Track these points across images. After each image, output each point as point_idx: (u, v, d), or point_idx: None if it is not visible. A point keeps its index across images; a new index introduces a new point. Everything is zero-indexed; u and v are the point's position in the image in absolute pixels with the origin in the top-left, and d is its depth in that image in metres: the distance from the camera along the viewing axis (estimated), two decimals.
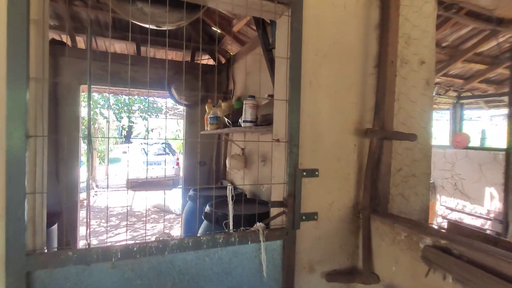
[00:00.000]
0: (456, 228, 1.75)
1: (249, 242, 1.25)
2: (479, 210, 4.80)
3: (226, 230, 1.28)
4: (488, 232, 4.51)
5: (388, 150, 1.51)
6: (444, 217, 5.18)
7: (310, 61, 1.40)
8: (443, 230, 1.71)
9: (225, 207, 2.26)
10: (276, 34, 1.50)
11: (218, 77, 4.36)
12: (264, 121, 1.90)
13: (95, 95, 8.18)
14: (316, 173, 1.40)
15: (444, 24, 2.66)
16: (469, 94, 5.52)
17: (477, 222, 4.73)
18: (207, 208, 2.35)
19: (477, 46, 2.98)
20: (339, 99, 1.48)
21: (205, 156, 4.47)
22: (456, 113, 7.63)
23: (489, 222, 4.56)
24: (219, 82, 4.36)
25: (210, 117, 3.35)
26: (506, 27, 2.43)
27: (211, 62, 4.57)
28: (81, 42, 4.12)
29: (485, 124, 10.93)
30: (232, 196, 1.28)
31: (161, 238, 1.11)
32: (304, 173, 1.36)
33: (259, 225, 1.26)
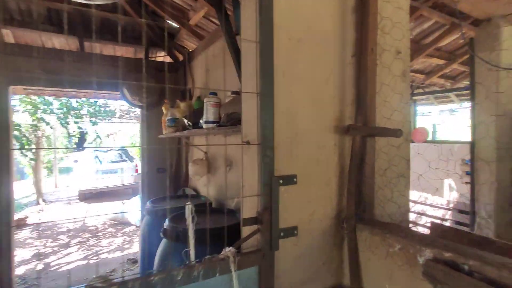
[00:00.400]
0: (440, 229, 1.64)
1: (218, 274, 0.98)
2: (439, 201, 4.99)
3: (187, 262, 1.00)
4: (449, 222, 4.69)
5: (372, 149, 1.33)
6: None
7: (283, 47, 1.17)
8: (429, 233, 1.59)
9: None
10: (241, 16, 1.25)
11: (175, 76, 3.99)
12: (229, 121, 1.64)
13: (36, 98, 7.25)
14: (295, 179, 1.17)
15: (410, 16, 2.62)
16: (420, 90, 5.77)
17: (438, 213, 4.90)
18: (166, 224, 2.03)
19: (438, 40, 3.02)
20: (317, 92, 1.27)
21: (165, 162, 4.08)
22: (410, 108, 8.02)
23: (449, 212, 4.74)
24: (177, 80, 4.00)
25: (168, 119, 3.00)
26: (465, 21, 2.43)
27: (168, 59, 4.19)
28: (9, 35, 3.52)
29: (435, 119, 11.71)
30: (193, 217, 1.01)
31: (94, 284, 0.80)
32: (281, 181, 1.13)
33: (228, 250, 0.99)
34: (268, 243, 1.08)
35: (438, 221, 4.74)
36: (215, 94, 1.95)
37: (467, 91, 3.04)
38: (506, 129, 2.45)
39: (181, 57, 4.01)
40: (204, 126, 1.94)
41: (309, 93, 1.25)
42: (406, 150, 1.40)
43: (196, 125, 2.22)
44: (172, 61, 4.03)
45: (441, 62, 3.64)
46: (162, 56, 4.17)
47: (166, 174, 4.02)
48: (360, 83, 1.29)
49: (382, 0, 1.36)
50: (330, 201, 1.33)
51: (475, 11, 2.20)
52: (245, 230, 1.15)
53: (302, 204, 1.24)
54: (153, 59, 4.11)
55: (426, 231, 4.72)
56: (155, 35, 3.86)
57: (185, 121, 2.40)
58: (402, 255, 1.08)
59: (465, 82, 4.92)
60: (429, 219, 4.90)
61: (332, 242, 1.33)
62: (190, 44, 3.83)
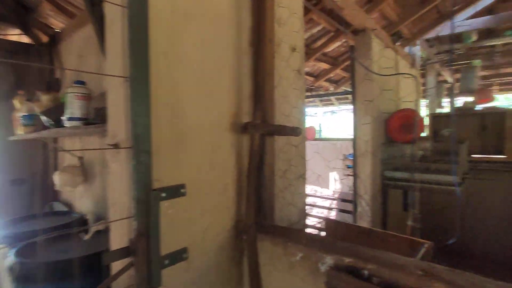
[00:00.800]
0: (333, 224, 1.68)
1: None
2: (326, 192, 5.58)
3: None
4: (334, 210, 5.28)
5: (271, 148, 1.21)
6: None
7: (165, 20, 0.91)
8: (325, 230, 1.61)
9: (50, 248, 1.49)
10: None
11: (38, 61, 3.14)
12: (97, 117, 1.27)
13: None
14: (183, 190, 0.93)
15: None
16: (309, 93, 6.37)
17: (326, 203, 5.46)
18: (11, 259, 1.47)
19: (325, 46, 3.28)
20: (210, 83, 1.07)
21: (25, 171, 3.17)
22: None
23: (335, 202, 5.34)
24: (39, 67, 3.15)
25: (23, 116, 2.28)
26: (347, 29, 2.67)
27: (26, 40, 3.26)
28: None
29: (320, 119, 13.28)
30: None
31: None
32: (164, 194, 0.87)
33: None
34: (145, 278, 0.80)
35: (329, 215, 5.29)
36: (82, 82, 1.51)
37: (348, 95, 3.37)
38: (378, 129, 2.82)
39: (45, 38, 3.18)
40: (67, 124, 1.49)
41: (200, 83, 1.03)
42: (304, 150, 1.34)
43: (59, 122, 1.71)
44: (33, 43, 3.15)
45: (327, 66, 4.02)
46: (16, 35, 3.22)
47: (27, 186, 3.12)
48: (258, 75, 1.15)
49: None
50: (228, 211, 1.14)
51: (355, 21, 2.42)
52: (115, 266, 0.85)
53: (194, 219, 1.02)
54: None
55: (319, 224, 5.20)
56: (4, 6, 2.93)
57: (43, 117, 1.83)
58: (304, 265, 0.98)
59: (344, 88, 5.66)
60: (320, 210, 5.42)
61: (231, 258, 1.15)
62: (57, 23, 3.07)
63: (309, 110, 11.66)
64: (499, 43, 5.45)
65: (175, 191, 0.91)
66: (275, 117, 1.22)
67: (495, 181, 3.87)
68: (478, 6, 3.65)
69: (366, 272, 0.86)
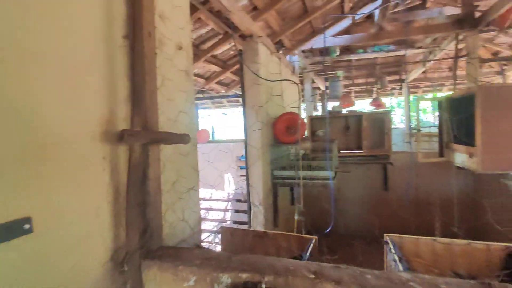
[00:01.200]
0: (229, 232, 1.63)
1: None
2: (222, 194, 5.60)
3: None
4: (230, 211, 5.36)
5: (157, 160, 1.05)
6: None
7: None
8: (221, 242, 1.54)
9: None
10: None
11: None
12: None
13: None
14: (26, 226, 0.68)
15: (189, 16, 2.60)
16: (200, 95, 6.30)
17: (222, 205, 5.48)
18: None
19: (214, 47, 3.24)
20: (72, 82, 0.83)
21: None
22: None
23: (230, 203, 5.41)
24: None
25: None
26: (236, 33, 2.70)
27: None
28: None
29: (213, 121, 13.39)
30: None
31: None
32: None
33: None
34: None
35: (225, 217, 5.31)
36: None
37: (239, 98, 3.43)
38: (267, 132, 2.97)
39: None
40: None
41: (59, 81, 0.79)
42: (195, 158, 1.23)
43: None
44: None
45: (217, 69, 4.02)
46: None
47: None
48: (136, 74, 0.97)
49: None
50: (103, 240, 0.92)
51: (242, 25, 2.46)
52: None
53: (52, 260, 0.77)
54: None
55: (215, 228, 5.16)
56: None
57: None
58: None
59: (235, 91, 5.82)
60: (216, 213, 5.41)
61: None
62: None
63: (201, 112, 11.58)
64: (354, 58, 6.72)
65: (14, 229, 0.65)
66: (160, 123, 1.06)
67: (357, 171, 4.74)
68: (339, 27, 4.34)
69: (263, 286, 0.83)
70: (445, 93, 8.73)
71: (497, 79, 7.45)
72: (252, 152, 2.81)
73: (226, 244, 1.59)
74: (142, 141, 0.96)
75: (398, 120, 14.65)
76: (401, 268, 1.29)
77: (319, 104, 8.85)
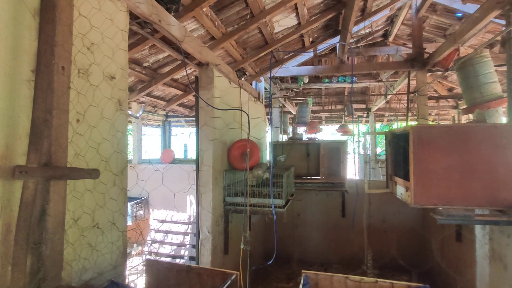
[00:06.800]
0: (155, 267, 1.59)
1: None
2: (183, 217, 5.46)
3: None
4: (190, 235, 5.21)
5: (60, 195, 1.03)
6: (156, 230, 5.42)
7: None
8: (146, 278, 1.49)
9: None
10: None
11: None
12: None
13: None
14: None
15: (143, 43, 2.63)
16: (176, 114, 6.28)
17: (182, 228, 5.33)
18: None
19: (173, 72, 3.27)
20: None
21: None
22: (165, 130, 8.53)
23: (190, 226, 5.28)
24: None
25: None
26: (191, 61, 2.75)
27: None
28: None
29: (186, 139, 13.23)
30: None
31: None
32: None
33: None
34: None
35: (184, 241, 5.15)
36: None
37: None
38: (221, 157, 2.98)
39: None
40: None
41: None
42: (122, 187, 1.22)
43: None
44: None
45: (179, 92, 4.04)
46: None
47: None
48: (36, 110, 0.97)
49: (91, 6, 1.13)
50: None
51: (196, 54, 2.52)
52: None
53: None
54: None
55: (172, 252, 4.98)
56: None
57: None
58: None
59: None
60: (175, 236, 5.24)
61: None
62: None
63: (175, 130, 11.46)
64: (322, 87, 7.03)
65: None
66: (69, 157, 1.05)
67: (317, 197, 4.83)
68: (303, 58, 4.56)
69: None
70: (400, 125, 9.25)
71: (453, 113, 8.05)
72: (203, 178, 2.80)
73: (151, 279, 1.55)
74: (38, 177, 0.94)
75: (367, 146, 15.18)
76: None
77: (290, 128, 9.08)
